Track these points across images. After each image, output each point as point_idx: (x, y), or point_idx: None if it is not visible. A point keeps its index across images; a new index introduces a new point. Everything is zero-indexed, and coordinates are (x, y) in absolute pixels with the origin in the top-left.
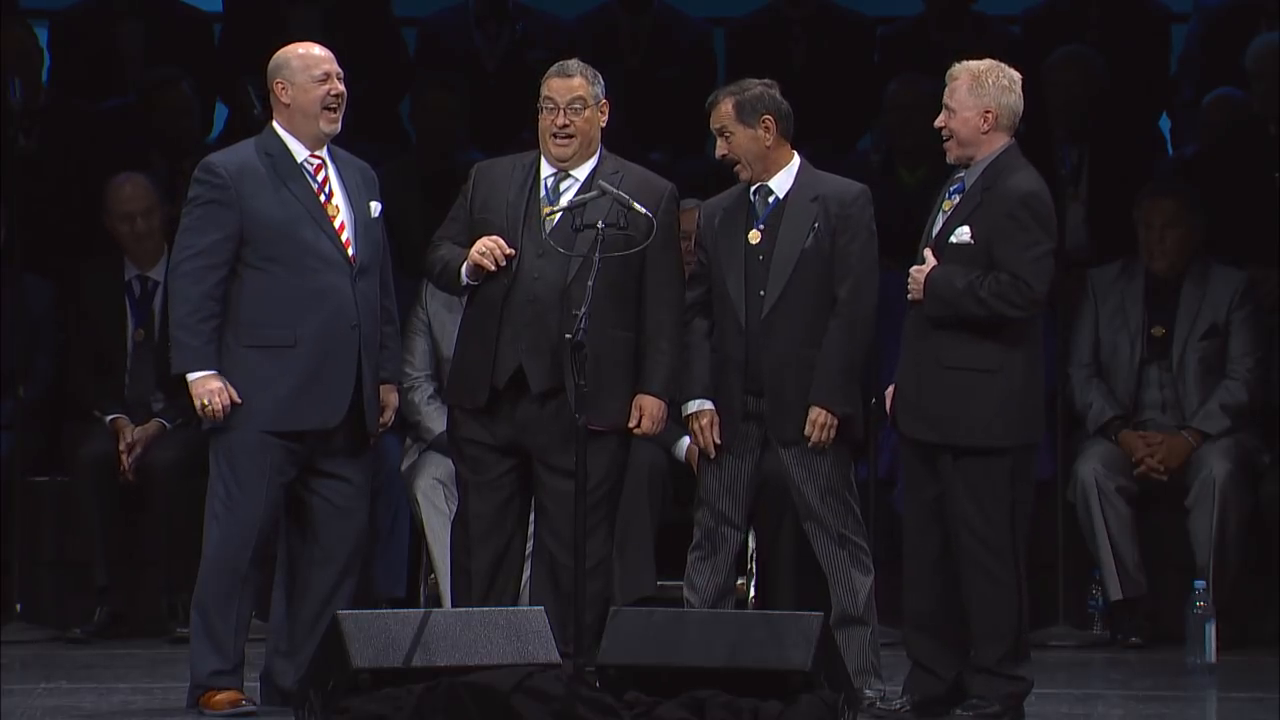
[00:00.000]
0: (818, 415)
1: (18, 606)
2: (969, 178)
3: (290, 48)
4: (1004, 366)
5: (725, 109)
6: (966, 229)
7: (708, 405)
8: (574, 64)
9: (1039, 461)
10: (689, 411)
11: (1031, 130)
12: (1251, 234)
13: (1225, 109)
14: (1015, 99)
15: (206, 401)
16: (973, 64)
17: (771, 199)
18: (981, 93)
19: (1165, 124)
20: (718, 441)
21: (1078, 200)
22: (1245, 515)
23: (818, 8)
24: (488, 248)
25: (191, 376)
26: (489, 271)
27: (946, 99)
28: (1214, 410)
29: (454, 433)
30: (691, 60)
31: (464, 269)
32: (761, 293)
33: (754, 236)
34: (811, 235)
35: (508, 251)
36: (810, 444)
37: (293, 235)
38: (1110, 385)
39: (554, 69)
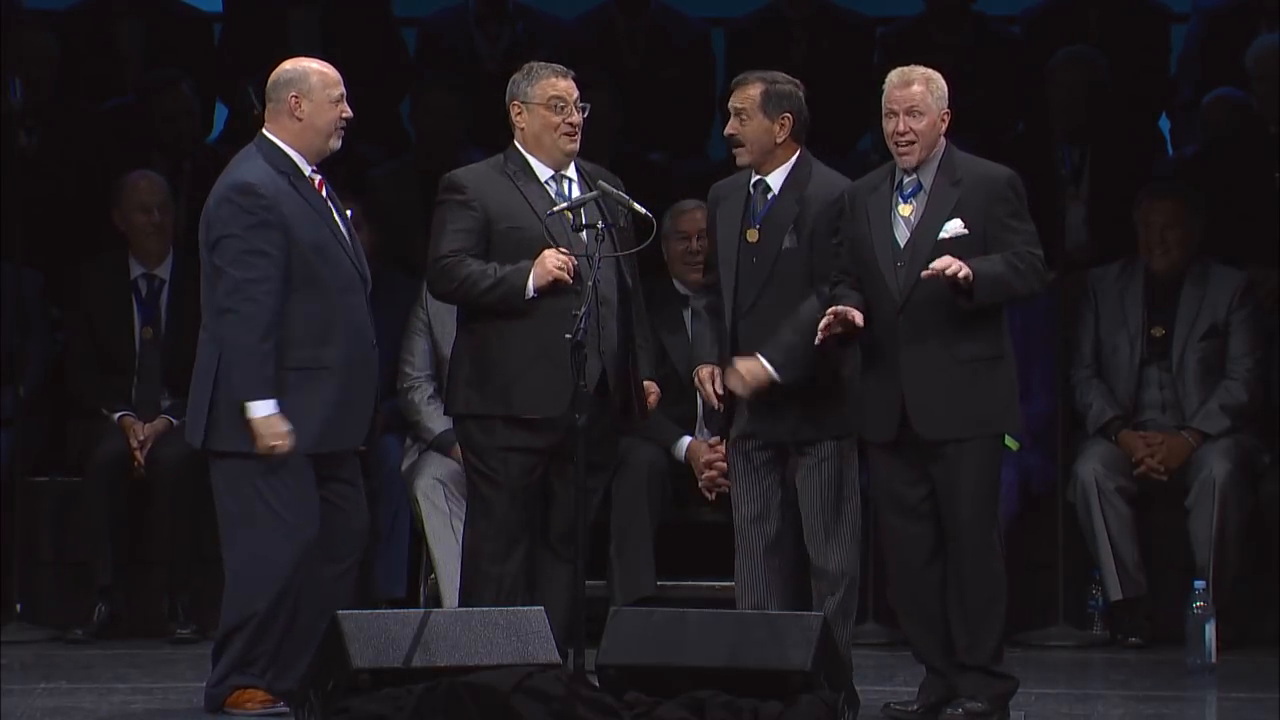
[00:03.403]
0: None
1: (18, 606)
2: (924, 178)
3: (305, 62)
4: (1004, 352)
5: (752, 92)
6: (958, 222)
7: (709, 366)
8: (560, 66)
9: (1039, 473)
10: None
11: (1032, 130)
12: (1251, 234)
13: (1225, 109)
14: None
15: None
16: (919, 69)
17: (769, 196)
18: (940, 95)
19: (1165, 124)
20: (719, 393)
21: (1078, 200)
22: (1245, 515)
23: (817, 8)
24: (564, 261)
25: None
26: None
27: (914, 104)
28: (1214, 410)
29: (496, 443)
30: (690, 61)
31: (531, 284)
32: (753, 291)
33: (751, 235)
34: (790, 235)
35: (574, 262)
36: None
37: (323, 255)
38: (1110, 385)
39: (553, 69)
